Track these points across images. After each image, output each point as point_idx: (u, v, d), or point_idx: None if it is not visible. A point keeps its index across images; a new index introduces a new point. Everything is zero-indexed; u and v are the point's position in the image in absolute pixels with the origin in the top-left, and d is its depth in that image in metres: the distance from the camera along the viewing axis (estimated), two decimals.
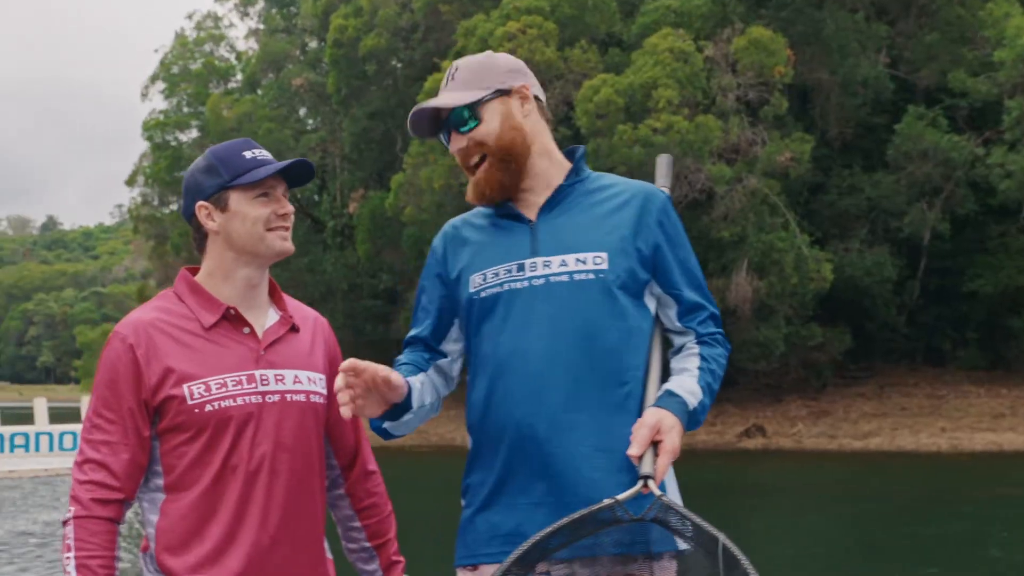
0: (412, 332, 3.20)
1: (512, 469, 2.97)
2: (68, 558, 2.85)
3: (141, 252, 62.72)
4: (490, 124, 3.04)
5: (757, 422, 37.03)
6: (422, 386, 3.03)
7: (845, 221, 38.98)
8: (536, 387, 2.93)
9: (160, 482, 2.98)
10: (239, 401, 2.95)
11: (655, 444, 2.78)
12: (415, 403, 2.99)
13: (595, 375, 2.93)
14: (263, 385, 2.99)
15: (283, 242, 3.04)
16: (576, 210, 3.06)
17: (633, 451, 2.77)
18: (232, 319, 3.02)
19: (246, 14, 52.76)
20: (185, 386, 2.92)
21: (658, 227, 3.05)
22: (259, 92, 48.30)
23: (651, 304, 3.06)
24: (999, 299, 39.56)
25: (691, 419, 2.90)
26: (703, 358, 3.01)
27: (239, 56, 53.03)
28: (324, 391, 3.13)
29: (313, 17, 45.30)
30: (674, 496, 2.92)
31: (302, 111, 49.24)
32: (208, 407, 2.92)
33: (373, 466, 3.38)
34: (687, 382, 2.94)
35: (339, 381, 2.72)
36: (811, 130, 37.99)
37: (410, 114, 3.13)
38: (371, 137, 42.72)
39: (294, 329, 3.12)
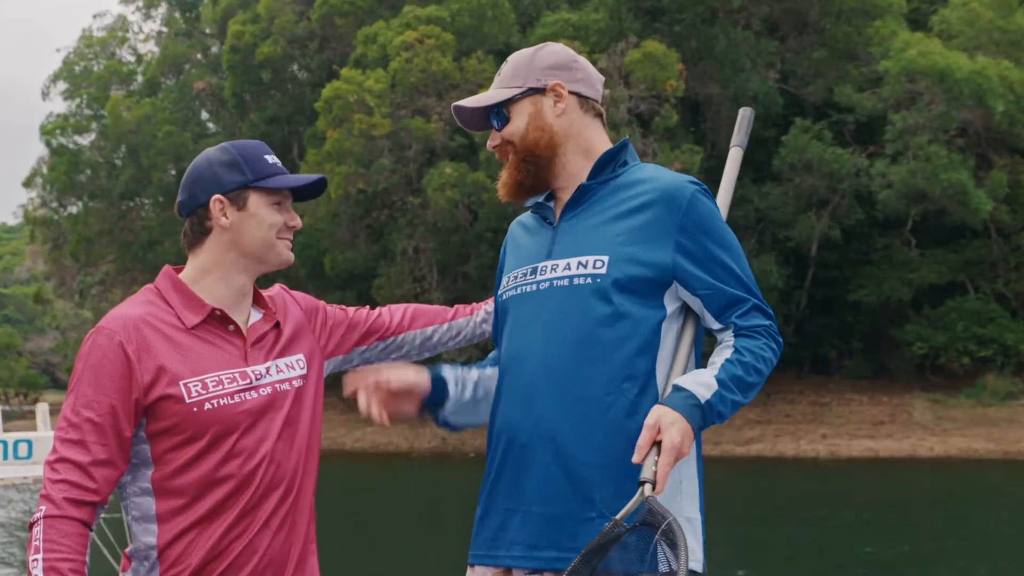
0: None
1: (501, 473, 2.96)
2: (35, 560, 2.69)
3: (38, 255, 61.81)
4: (517, 123, 3.03)
5: None
6: (466, 379, 3.12)
7: (734, 231, 39.62)
8: (527, 393, 2.92)
9: (148, 485, 2.87)
10: (236, 398, 2.89)
11: (658, 444, 2.68)
12: (451, 395, 3.09)
13: (583, 383, 2.87)
14: (256, 380, 2.93)
15: (289, 252, 3.02)
16: (594, 211, 3.00)
17: (635, 457, 2.68)
18: (217, 319, 2.95)
19: (149, 16, 52.55)
20: (182, 384, 2.83)
21: (679, 231, 2.93)
22: (159, 95, 48.14)
23: (672, 305, 2.94)
24: (883, 309, 40.73)
25: (706, 413, 2.76)
26: (736, 350, 2.88)
27: (140, 59, 52.76)
28: (303, 371, 3.08)
29: (212, 22, 45.34)
30: (690, 503, 2.89)
31: (204, 115, 49.20)
32: (207, 405, 2.85)
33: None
34: (702, 375, 2.82)
35: (361, 401, 2.92)
36: (703, 142, 38.89)
37: (452, 108, 3.17)
38: (270, 142, 42.81)
39: (277, 326, 3.06)
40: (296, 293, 3.26)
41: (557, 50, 3.12)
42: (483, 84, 34.98)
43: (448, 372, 3.12)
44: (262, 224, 2.93)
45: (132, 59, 53.06)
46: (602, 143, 3.09)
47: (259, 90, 42.65)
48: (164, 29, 52.23)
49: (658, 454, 2.65)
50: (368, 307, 3.40)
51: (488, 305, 3.39)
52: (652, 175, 3.03)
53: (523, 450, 2.90)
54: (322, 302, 3.33)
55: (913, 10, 40.91)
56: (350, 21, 37.88)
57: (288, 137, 42.09)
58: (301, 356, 3.10)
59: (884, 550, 16.88)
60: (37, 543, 2.70)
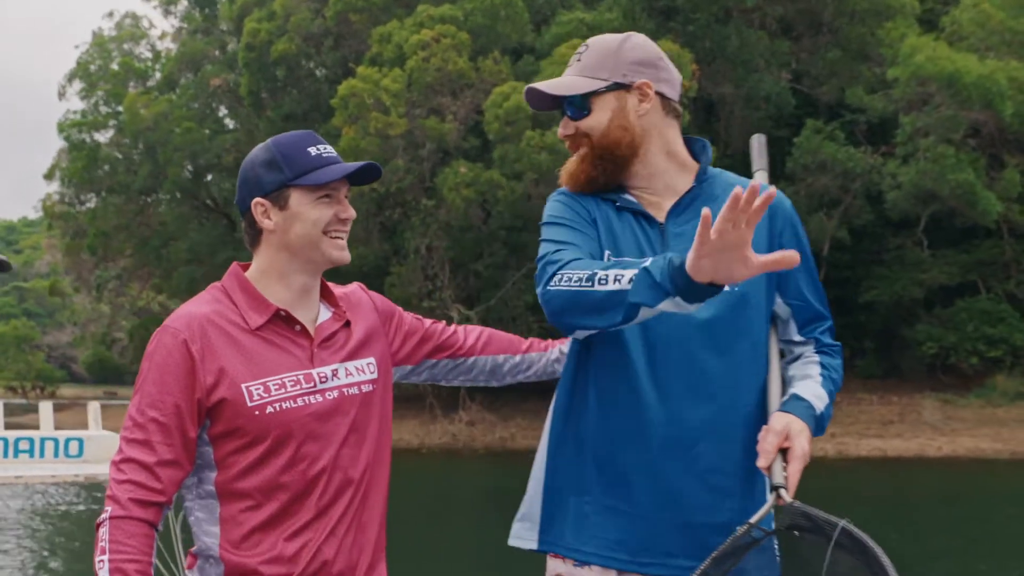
0: (579, 256, 2.89)
1: (619, 474, 2.88)
2: (102, 561, 2.64)
3: (56, 248, 62.18)
4: (599, 118, 2.93)
5: None
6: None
7: None
8: (662, 394, 2.84)
9: (212, 488, 2.82)
10: (299, 402, 2.80)
11: (783, 451, 2.66)
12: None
13: (736, 392, 2.86)
14: (321, 383, 2.85)
15: (339, 251, 2.89)
16: (700, 206, 2.89)
17: (761, 462, 2.65)
18: (282, 319, 2.87)
19: (169, 12, 52.86)
20: (243, 387, 2.76)
21: (788, 235, 2.95)
22: (177, 92, 48.48)
23: (772, 316, 2.97)
24: (894, 309, 40.86)
25: (818, 424, 2.77)
26: (823, 366, 2.91)
27: (157, 56, 53.11)
28: (374, 375, 3.00)
29: (229, 20, 45.67)
30: None
31: (221, 111, 49.50)
32: (269, 409, 2.77)
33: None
34: (812, 386, 2.84)
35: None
36: (716, 142, 39.05)
37: (525, 90, 3.03)
38: None
39: (347, 325, 2.98)
40: (373, 294, 3.19)
41: (643, 44, 3.00)
42: (497, 84, 35.29)
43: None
44: (306, 222, 2.82)
45: (150, 55, 53.49)
46: (680, 143, 3.02)
47: (275, 87, 42.94)
48: (183, 26, 52.57)
49: (784, 460, 2.63)
50: (445, 322, 3.32)
51: (564, 345, 3.32)
52: (742, 181, 2.95)
53: (659, 454, 2.83)
54: (399, 307, 3.27)
55: (927, 10, 40.98)
56: (364, 18, 38.15)
57: None
58: (372, 360, 3.02)
59: (891, 546, 17.04)
60: (103, 544, 2.64)
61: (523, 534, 3.05)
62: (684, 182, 2.99)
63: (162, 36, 53.61)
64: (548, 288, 2.79)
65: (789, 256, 2.42)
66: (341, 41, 40.51)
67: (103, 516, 2.68)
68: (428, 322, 3.31)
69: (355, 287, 3.17)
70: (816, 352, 2.95)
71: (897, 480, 28.96)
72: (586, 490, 2.92)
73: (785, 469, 2.62)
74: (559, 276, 2.77)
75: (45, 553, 17.12)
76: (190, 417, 2.75)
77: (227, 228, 47.33)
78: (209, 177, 48.23)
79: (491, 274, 36.64)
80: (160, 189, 48.17)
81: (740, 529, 2.57)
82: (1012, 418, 36.48)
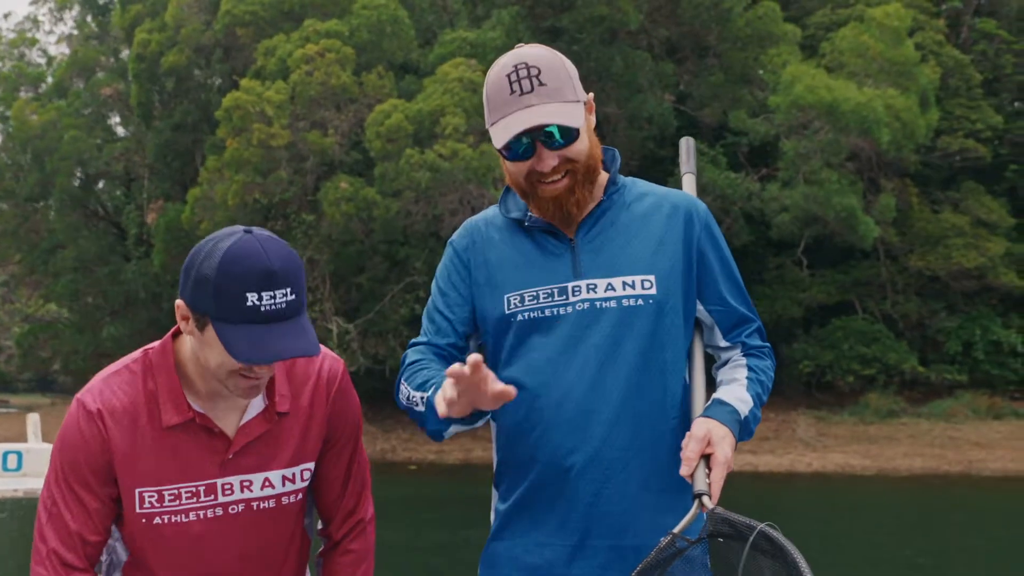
0: (434, 338, 2.90)
1: (546, 504, 2.81)
2: None
3: None
4: (583, 140, 2.79)
5: None
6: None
7: None
8: (580, 421, 2.76)
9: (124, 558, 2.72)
10: (191, 516, 2.60)
11: (706, 458, 2.60)
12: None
13: (644, 407, 2.79)
14: (225, 495, 2.61)
15: (246, 394, 2.56)
16: (617, 227, 2.87)
17: (684, 470, 2.58)
18: (196, 424, 2.61)
19: (60, 19, 52.58)
20: (137, 492, 2.59)
21: (705, 242, 2.91)
22: (67, 99, 48.23)
23: (696, 322, 2.93)
24: (774, 328, 41.66)
25: (743, 428, 2.72)
26: (751, 368, 2.86)
27: (50, 61, 52.75)
28: (303, 486, 2.73)
29: (121, 28, 45.54)
30: None
31: (113, 119, 49.23)
32: (156, 520, 2.60)
33: (357, 541, 2.93)
34: (736, 390, 2.78)
35: (454, 368, 2.41)
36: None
37: (500, 127, 2.75)
38: (175, 149, 43.15)
39: (281, 419, 2.67)
40: (346, 389, 2.81)
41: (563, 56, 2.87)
42: (382, 99, 35.57)
43: None
44: (215, 360, 2.48)
45: (43, 61, 53.09)
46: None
47: (165, 97, 42.89)
48: (74, 33, 52.25)
49: (707, 467, 2.57)
50: (357, 515, 2.93)
51: None
52: (652, 188, 2.97)
53: (578, 480, 2.76)
54: (358, 433, 2.90)
55: (808, 36, 41.94)
56: (251, 32, 38.27)
57: (192, 145, 42.34)
58: (310, 467, 2.75)
59: None
60: None
61: None
62: (598, 194, 2.91)
63: (59, 40, 53.24)
64: (398, 394, 2.81)
65: (507, 392, 2.42)
66: (230, 53, 40.60)
67: None
68: (350, 488, 2.90)
69: (323, 368, 2.77)
70: (743, 355, 2.91)
71: (766, 495, 29.57)
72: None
73: (708, 476, 2.55)
74: (401, 385, 2.80)
75: None
76: (106, 482, 2.59)
77: (116, 237, 47.12)
78: (100, 185, 48.05)
79: (371, 287, 36.90)
80: (49, 196, 47.88)
81: (664, 540, 2.51)
82: (883, 435, 37.29)
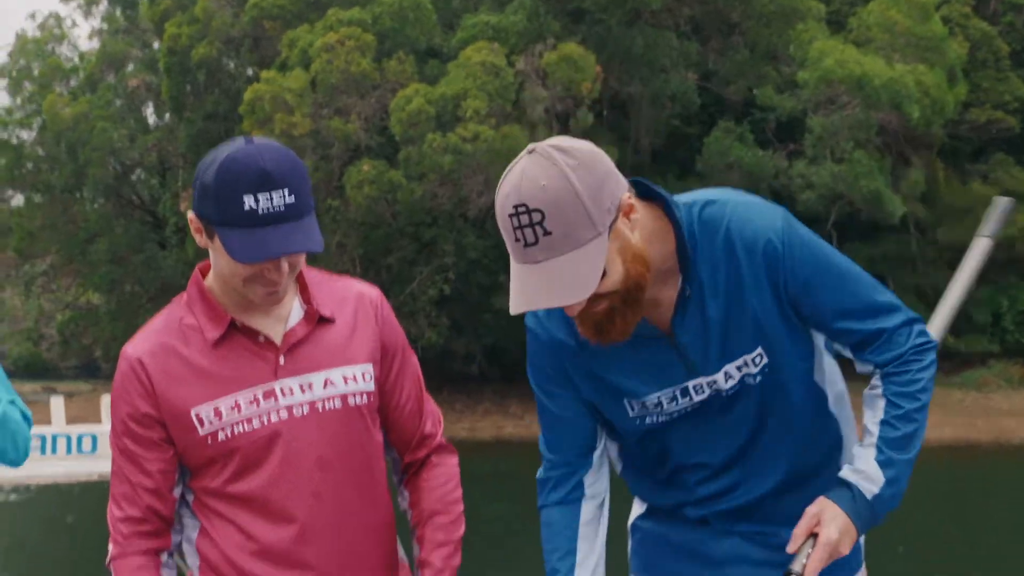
0: (556, 457, 2.68)
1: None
2: None
3: None
4: (613, 274, 2.34)
5: None
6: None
7: None
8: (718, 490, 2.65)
9: (194, 535, 2.65)
10: (256, 424, 2.52)
11: (815, 536, 2.42)
12: None
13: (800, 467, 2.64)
14: (286, 398, 2.54)
15: (264, 299, 2.52)
16: (702, 301, 2.50)
17: (790, 547, 2.43)
18: (241, 329, 2.57)
19: (89, 13, 53.23)
20: (193, 413, 2.52)
21: (791, 278, 2.48)
22: (97, 92, 48.90)
23: (821, 341, 2.63)
24: None
25: (874, 508, 2.46)
26: (888, 404, 2.49)
27: (82, 56, 53.48)
28: (367, 388, 2.63)
29: (150, 21, 46.14)
30: None
31: (147, 110, 49.91)
32: (221, 435, 2.52)
33: (441, 456, 2.82)
34: (865, 461, 2.47)
35: None
36: (627, 140, 39.86)
37: (513, 285, 2.33)
38: (207, 138, 43.74)
39: (324, 320, 2.61)
40: (386, 308, 2.74)
41: (585, 158, 2.30)
42: (404, 84, 35.93)
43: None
44: (225, 268, 2.49)
45: (74, 56, 53.82)
46: (651, 217, 2.47)
47: (197, 88, 43.40)
48: (104, 27, 52.95)
49: (812, 547, 2.41)
50: (436, 431, 2.83)
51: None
52: (710, 224, 2.50)
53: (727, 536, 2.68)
54: (411, 352, 2.81)
55: (833, 11, 41.84)
56: (278, 24, 38.77)
57: (224, 134, 42.78)
58: (368, 367, 2.65)
59: None
60: None
61: None
62: (667, 259, 2.49)
63: (90, 35, 53.85)
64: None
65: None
66: (259, 44, 41.12)
67: (108, 557, 2.61)
68: (425, 411, 2.80)
69: (360, 289, 2.74)
70: (881, 380, 2.53)
71: None
72: None
73: (808, 556, 2.40)
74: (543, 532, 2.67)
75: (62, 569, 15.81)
76: (156, 431, 2.56)
77: (151, 226, 47.83)
78: (135, 175, 48.78)
79: (401, 269, 37.37)
80: (83, 187, 48.60)
81: None
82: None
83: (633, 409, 2.57)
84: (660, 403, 2.54)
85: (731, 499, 2.64)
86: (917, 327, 2.54)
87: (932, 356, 2.54)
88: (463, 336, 38.88)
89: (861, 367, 2.56)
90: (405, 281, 37.35)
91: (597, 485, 2.65)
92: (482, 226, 36.48)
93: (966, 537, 17.37)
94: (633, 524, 2.83)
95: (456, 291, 37.40)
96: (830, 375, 2.64)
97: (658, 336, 2.50)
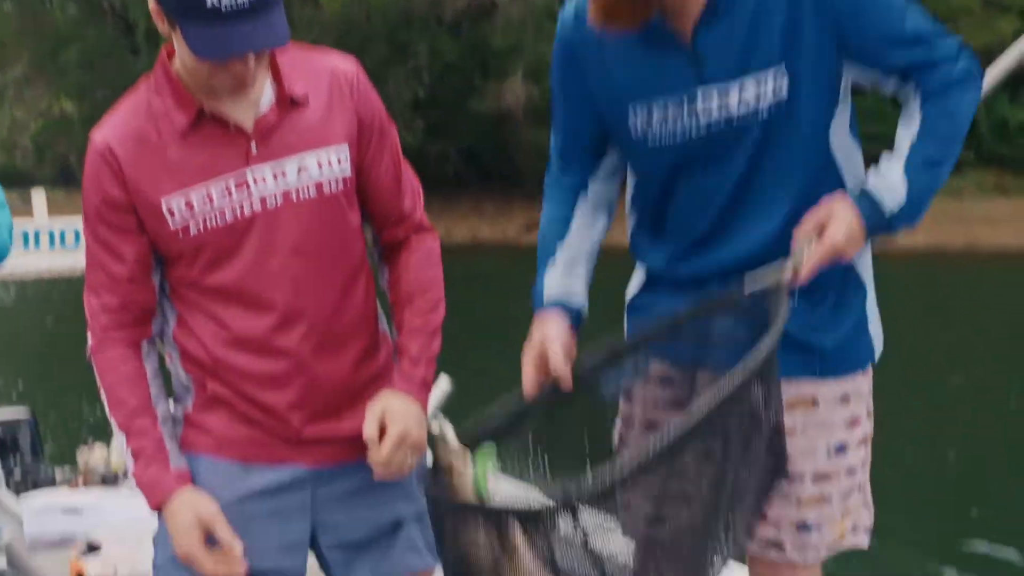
0: (564, 165, 2.64)
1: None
2: (112, 417, 2.58)
3: None
4: None
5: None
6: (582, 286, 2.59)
7: None
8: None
9: (172, 325, 2.60)
10: (228, 217, 2.45)
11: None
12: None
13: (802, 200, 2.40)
14: (258, 187, 2.45)
15: (236, 89, 2.40)
16: (735, 10, 2.32)
17: (793, 243, 2.32)
18: (211, 117, 2.44)
19: None
20: (164, 203, 2.44)
21: (825, 9, 2.30)
22: None
23: (849, 82, 2.42)
24: None
25: (890, 222, 2.32)
26: (924, 120, 2.35)
27: None
28: (343, 173, 2.53)
29: None
30: (867, 311, 2.54)
31: None
32: (193, 229, 2.45)
33: (421, 237, 2.75)
34: (890, 172, 2.33)
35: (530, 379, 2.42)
36: None
37: None
38: None
39: (296, 103, 2.48)
40: (364, 80, 2.59)
41: None
42: None
43: (581, 298, 2.58)
44: (189, 58, 2.35)
45: None
46: None
47: None
48: None
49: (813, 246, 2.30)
50: (418, 208, 2.75)
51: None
52: None
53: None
54: (390, 124, 2.68)
55: None
56: None
57: None
58: (344, 148, 2.54)
59: None
60: (103, 392, 2.58)
61: None
62: None
63: None
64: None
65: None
66: None
67: (88, 348, 2.59)
68: (404, 188, 2.70)
69: (335, 63, 2.57)
70: (919, 97, 2.37)
71: None
72: None
73: (807, 250, 2.30)
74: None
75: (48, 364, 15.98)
76: (129, 217, 2.49)
77: (123, 32, 46.88)
78: None
79: (375, 70, 37.00)
80: None
81: (734, 292, 2.40)
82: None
83: (638, 116, 2.44)
84: (665, 117, 2.40)
85: (720, 252, 2.49)
86: (965, 57, 2.38)
87: (978, 88, 2.41)
88: (439, 139, 38.75)
89: (903, 95, 2.40)
90: (379, 82, 36.58)
91: (600, 194, 2.62)
92: (457, 29, 36.07)
93: (945, 339, 17.60)
94: (630, 303, 2.74)
95: (431, 94, 37.14)
96: (848, 152, 2.48)
97: (677, 43, 2.36)
